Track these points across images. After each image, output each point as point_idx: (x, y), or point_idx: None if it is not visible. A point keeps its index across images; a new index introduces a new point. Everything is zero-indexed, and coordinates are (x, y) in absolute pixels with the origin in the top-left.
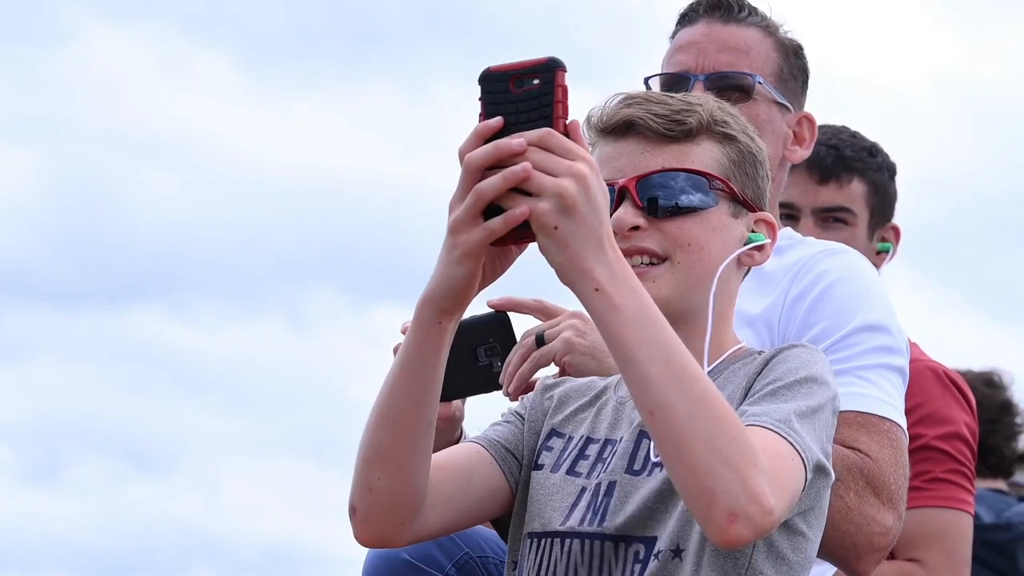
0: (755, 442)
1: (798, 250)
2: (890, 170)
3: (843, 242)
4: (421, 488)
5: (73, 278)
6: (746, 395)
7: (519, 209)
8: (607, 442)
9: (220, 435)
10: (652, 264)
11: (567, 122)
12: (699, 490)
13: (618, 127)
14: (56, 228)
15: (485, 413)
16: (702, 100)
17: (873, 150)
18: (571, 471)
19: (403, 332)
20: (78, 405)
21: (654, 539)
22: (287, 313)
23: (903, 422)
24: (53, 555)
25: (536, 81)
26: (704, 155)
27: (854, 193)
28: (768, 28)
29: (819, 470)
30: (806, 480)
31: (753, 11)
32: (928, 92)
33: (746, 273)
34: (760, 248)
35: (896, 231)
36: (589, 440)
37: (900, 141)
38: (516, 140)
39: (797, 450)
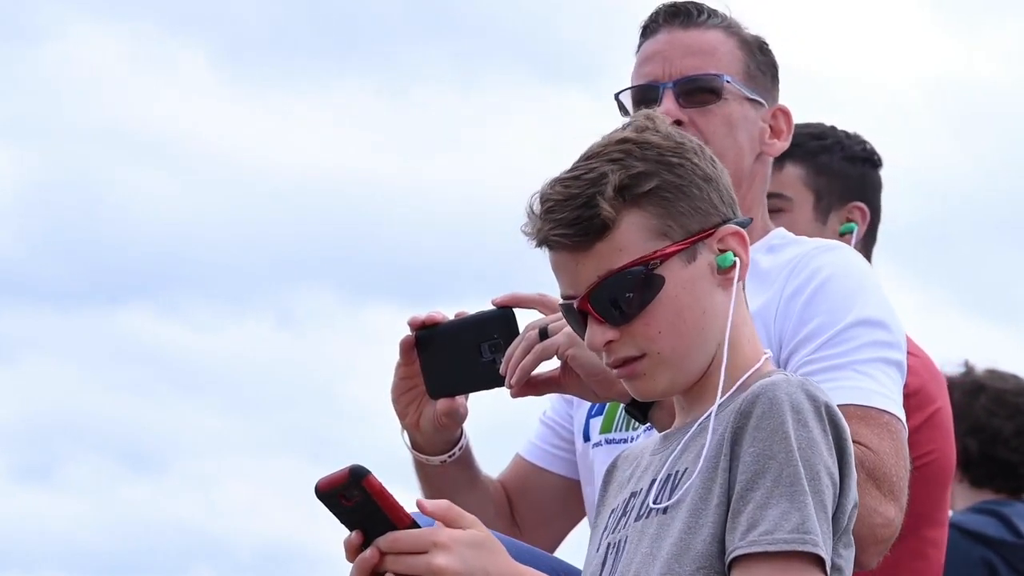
0: None
1: (793, 248)
2: (845, 151)
3: (785, 227)
4: None
5: (62, 277)
6: (731, 450)
7: None
8: (632, 495)
9: (215, 435)
10: (638, 359)
11: (402, 511)
12: None
13: (542, 244)
14: (43, 227)
15: (488, 410)
16: (605, 161)
17: (821, 134)
18: (604, 530)
19: (409, 324)
20: (71, 404)
21: None
22: (279, 312)
23: (902, 415)
24: (52, 555)
25: (356, 493)
26: (631, 234)
27: (787, 178)
28: (730, 28)
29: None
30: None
31: (713, 13)
32: (919, 91)
33: (743, 286)
34: (734, 265)
35: (861, 211)
36: (623, 501)
37: (891, 140)
38: (369, 553)
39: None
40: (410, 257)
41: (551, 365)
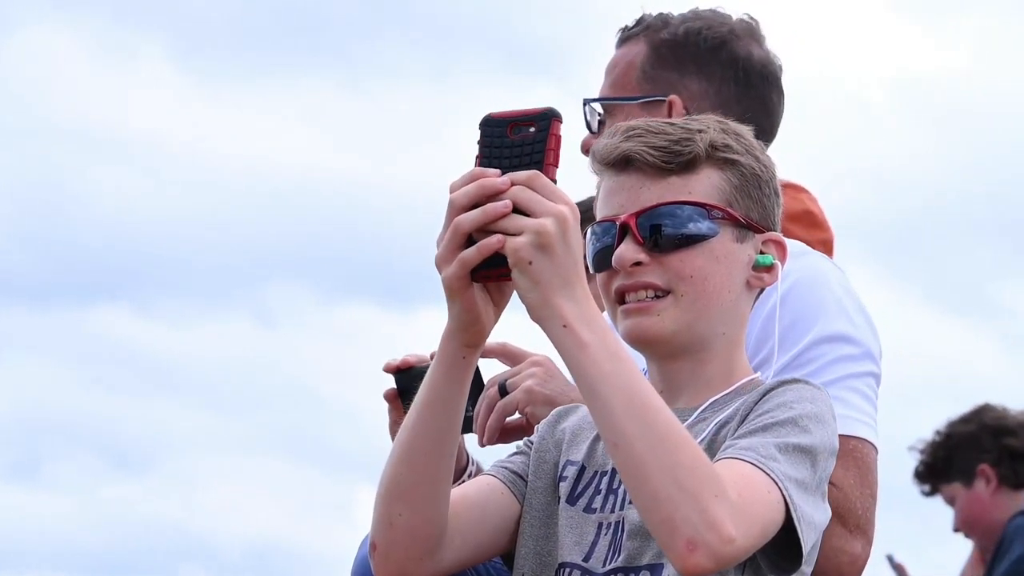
0: (721, 473)
1: None
2: None
3: None
4: (441, 522)
5: (36, 276)
6: (742, 423)
7: (494, 238)
8: (615, 472)
9: (196, 433)
10: (657, 298)
11: (557, 169)
12: (660, 519)
13: (618, 161)
14: (20, 225)
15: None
16: (704, 125)
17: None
18: (588, 508)
19: (384, 369)
20: (50, 403)
21: (661, 566)
22: (255, 310)
23: (871, 434)
24: (41, 554)
25: (532, 129)
26: (704, 184)
27: None
28: (647, 29)
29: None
30: (787, 511)
31: (639, 21)
32: (885, 89)
33: (757, 296)
34: (769, 269)
35: None
36: (601, 473)
37: (858, 139)
38: (500, 179)
39: (775, 482)
40: (386, 255)
41: (515, 418)
